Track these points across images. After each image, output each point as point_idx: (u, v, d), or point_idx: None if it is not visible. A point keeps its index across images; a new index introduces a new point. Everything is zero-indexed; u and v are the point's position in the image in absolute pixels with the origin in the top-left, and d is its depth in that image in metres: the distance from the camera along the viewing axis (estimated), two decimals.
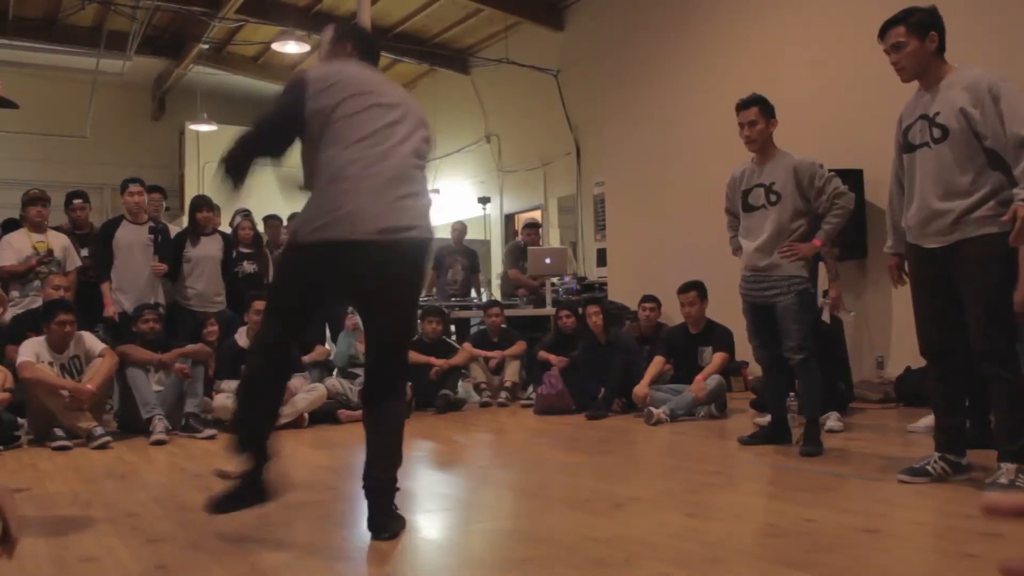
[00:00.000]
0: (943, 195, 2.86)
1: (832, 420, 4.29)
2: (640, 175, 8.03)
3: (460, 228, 8.37)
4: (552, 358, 5.99)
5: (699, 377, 5.07)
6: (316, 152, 2.39)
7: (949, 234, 2.85)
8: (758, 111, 3.77)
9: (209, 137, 11.41)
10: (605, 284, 8.26)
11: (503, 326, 6.66)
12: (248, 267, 6.47)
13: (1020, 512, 0.68)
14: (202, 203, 6.21)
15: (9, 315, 5.28)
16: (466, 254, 8.17)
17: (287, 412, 5.18)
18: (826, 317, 5.03)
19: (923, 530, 2.47)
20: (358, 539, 2.41)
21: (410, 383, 4.92)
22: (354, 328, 6.15)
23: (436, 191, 10.54)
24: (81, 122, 11.03)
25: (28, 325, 5.11)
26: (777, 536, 2.34)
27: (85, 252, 6.00)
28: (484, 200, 10.29)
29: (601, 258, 8.75)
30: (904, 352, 5.25)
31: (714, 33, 7.28)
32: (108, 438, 4.53)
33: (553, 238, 9.63)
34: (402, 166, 2.39)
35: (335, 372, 6.11)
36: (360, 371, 5.45)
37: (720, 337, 5.28)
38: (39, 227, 5.73)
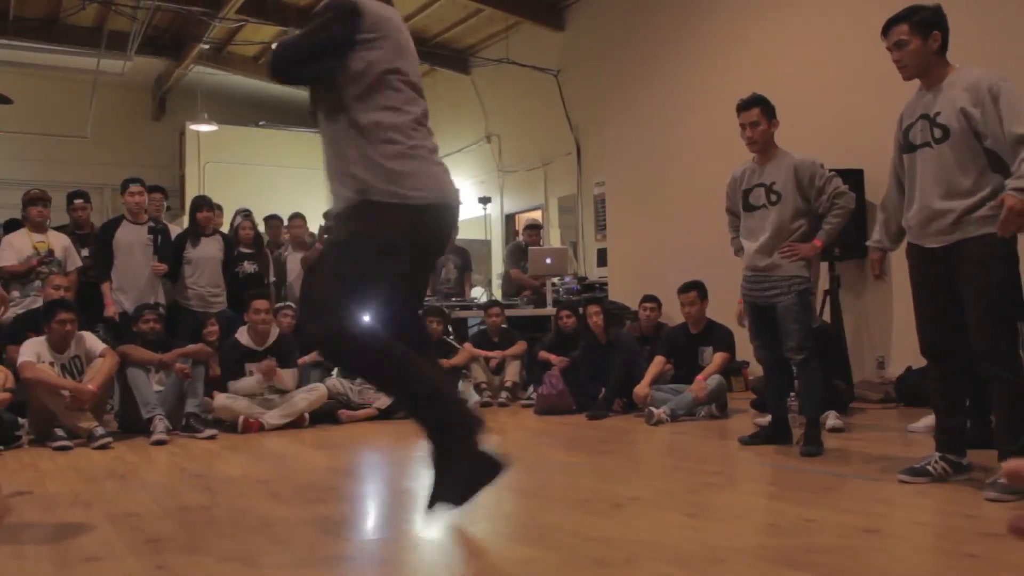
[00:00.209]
0: (944, 195, 2.86)
1: (831, 419, 4.29)
2: (640, 175, 8.03)
3: None
4: (553, 358, 5.99)
5: (699, 377, 5.07)
6: (375, 104, 2.33)
7: (950, 234, 2.85)
8: (760, 112, 3.76)
9: (210, 137, 11.40)
10: (605, 284, 8.26)
11: (503, 326, 6.66)
12: (248, 267, 6.50)
13: None
14: (202, 203, 6.24)
15: (10, 315, 5.29)
16: (458, 253, 8.17)
17: (287, 412, 5.19)
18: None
19: (923, 530, 2.47)
20: (359, 539, 2.41)
21: None
22: None
23: None
24: (82, 122, 11.02)
25: (29, 325, 5.13)
26: (777, 536, 2.34)
27: (86, 252, 6.01)
28: (484, 200, 10.29)
29: (601, 258, 8.75)
30: (905, 352, 5.25)
31: (714, 33, 7.28)
32: (109, 438, 4.53)
33: (554, 238, 9.62)
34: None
35: (335, 372, 6.11)
36: None
37: (721, 337, 5.29)
38: (40, 227, 5.74)
